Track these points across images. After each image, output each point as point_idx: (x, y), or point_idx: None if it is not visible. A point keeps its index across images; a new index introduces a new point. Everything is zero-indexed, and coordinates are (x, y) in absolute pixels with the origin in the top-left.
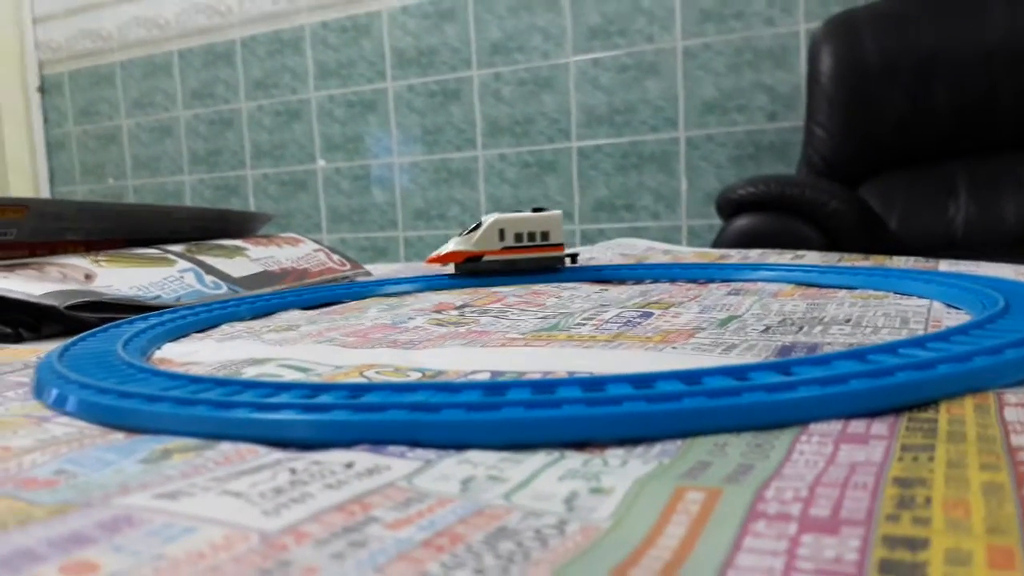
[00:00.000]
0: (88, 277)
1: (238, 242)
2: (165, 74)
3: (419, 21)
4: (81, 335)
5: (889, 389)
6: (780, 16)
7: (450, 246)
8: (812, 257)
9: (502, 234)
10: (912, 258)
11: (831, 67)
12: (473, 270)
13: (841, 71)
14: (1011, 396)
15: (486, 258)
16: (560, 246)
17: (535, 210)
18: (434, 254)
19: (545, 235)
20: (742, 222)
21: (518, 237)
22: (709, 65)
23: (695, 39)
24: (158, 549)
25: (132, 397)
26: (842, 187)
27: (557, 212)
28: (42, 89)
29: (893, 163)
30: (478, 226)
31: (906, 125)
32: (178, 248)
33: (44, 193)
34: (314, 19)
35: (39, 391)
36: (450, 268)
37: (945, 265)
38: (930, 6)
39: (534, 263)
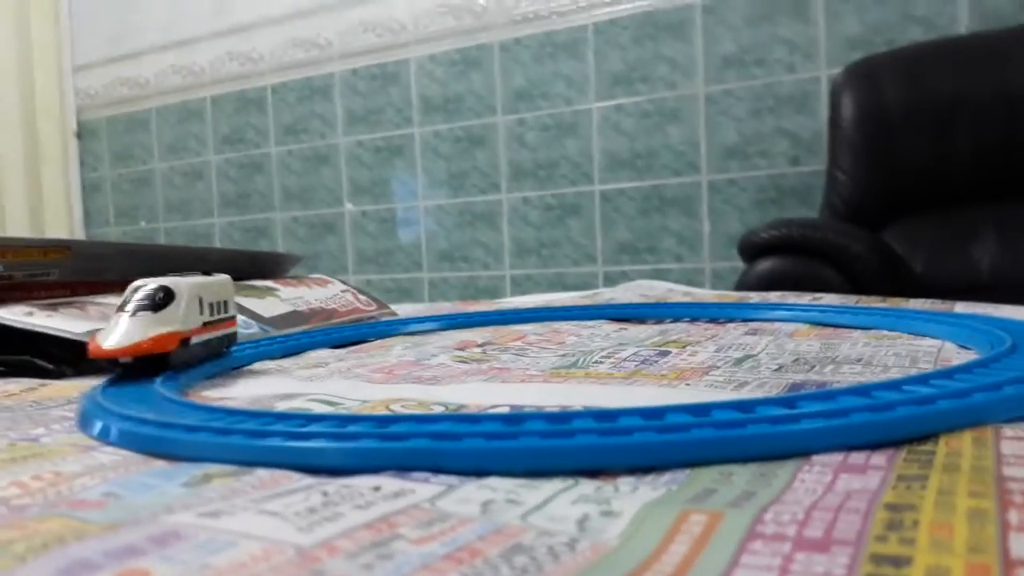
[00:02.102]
0: None
1: (269, 283)
2: (198, 119)
3: (446, 69)
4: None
5: (889, 422)
6: (801, 62)
7: (141, 329)
8: (830, 299)
9: (201, 305)
10: (929, 300)
11: (852, 113)
12: (180, 360)
13: (862, 117)
14: (1008, 431)
15: (194, 340)
16: (234, 319)
17: (205, 273)
18: (107, 345)
19: (225, 305)
20: (765, 265)
21: (212, 309)
22: (731, 111)
23: (716, 85)
24: (204, 559)
25: (173, 427)
26: (865, 231)
27: (227, 276)
28: (79, 134)
29: (916, 207)
30: (168, 295)
31: (928, 170)
32: None
33: (79, 235)
34: (344, 67)
35: (84, 423)
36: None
37: (961, 307)
38: (950, 52)
39: (227, 342)
